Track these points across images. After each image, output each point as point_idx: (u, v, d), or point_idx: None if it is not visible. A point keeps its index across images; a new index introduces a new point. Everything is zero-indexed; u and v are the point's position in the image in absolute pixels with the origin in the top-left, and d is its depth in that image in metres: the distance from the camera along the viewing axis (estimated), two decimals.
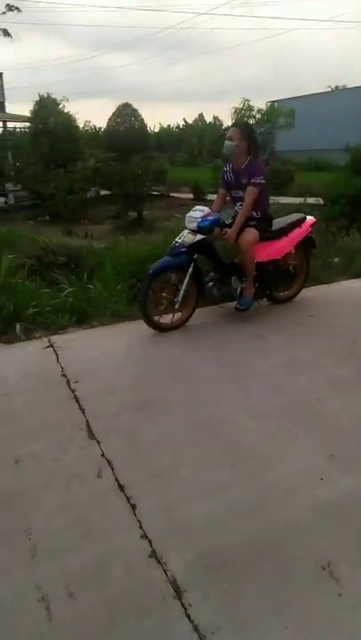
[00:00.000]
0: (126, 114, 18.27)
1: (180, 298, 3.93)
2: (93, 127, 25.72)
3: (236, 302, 4.22)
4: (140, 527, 2.01)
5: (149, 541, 1.94)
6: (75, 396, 3.04)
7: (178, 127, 39.42)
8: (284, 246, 4.27)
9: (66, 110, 17.10)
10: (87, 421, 2.75)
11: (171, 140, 35.49)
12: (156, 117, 66.58)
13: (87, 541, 1.96)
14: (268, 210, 4.28)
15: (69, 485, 2.25)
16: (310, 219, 4.57)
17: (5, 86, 24.21)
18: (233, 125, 4.43)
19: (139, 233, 12.02)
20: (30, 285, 4.77)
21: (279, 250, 4.24)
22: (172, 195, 20.63)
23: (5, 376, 3.32)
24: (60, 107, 17.04)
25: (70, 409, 2.89)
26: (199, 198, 17.75)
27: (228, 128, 11.68)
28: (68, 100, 17.05)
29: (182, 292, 3.91)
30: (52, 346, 3.74)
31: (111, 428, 2.69)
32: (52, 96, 17.03)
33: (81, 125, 20.27)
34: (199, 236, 3.88)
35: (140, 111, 18.44)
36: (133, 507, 2.12)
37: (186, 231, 3.94)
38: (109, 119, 18.47)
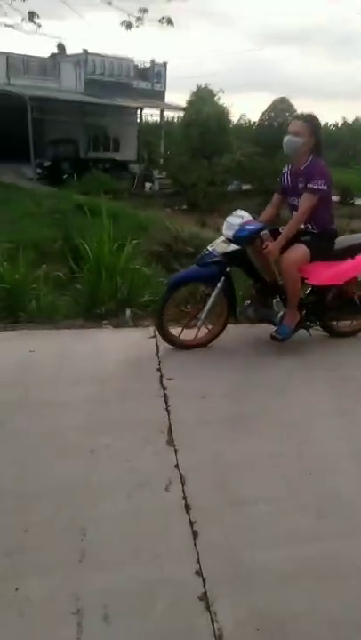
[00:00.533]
0: (281, 109, 17.81)
1: (204, 313, 3.40)
2: (248, 121, 25.60)
3: (273, 328, 3.54)
4: (197, 561, 1.79)
5: (203, 580, 1.71)
6: (165, 394, 2.89)
7: (336, 126, 37.62)
8: (347, 270, 3.50)
9: (221, 102, 17.18)
10: (170, 425, 2.58)
11: (326, 138, 33.95)
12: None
13: (137, 561, 1.79)
14: (331, 224, 3.50)
15: (133, 492, 2.10)
16: None
17: (168, 75, 24.98)
18: (297, 118, 3.49)
19: None
20: (148, 271, 4.74)
21: (340, 274, 3.47)
22: None
23: (104, 361, 3.29)
24: (216, 98, 17.15)
25: (157, 407, 2.75)
26: (345, 202, 16.70)
27: None
28: (223, 91, 17.06)
29: (208, 306, 3.38)
30: (155, 337, 3.64)
31: (193, 438, 2.49)
32: (210, 87, 17.19)
33: (236, 118, 20.29)
34: (233, 246, 3.28)
35: (297, 107, 17.85)
36: (195, 534, 1.90)
37: (220, 238, 3.37)
38: (263, 113, 18.19)
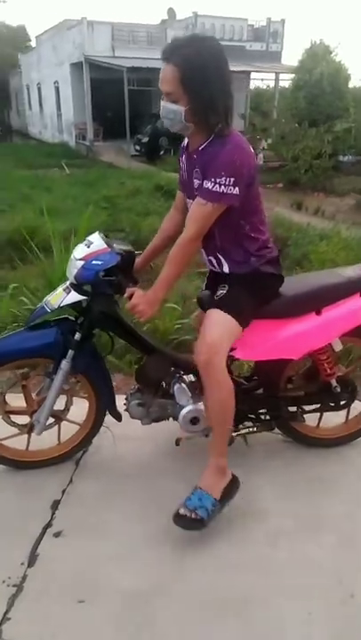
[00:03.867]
0: None
1: (43, 412, 2.08)
2: None
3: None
4: None
5: None
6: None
7: None
8: (308, 334, 2.01)
9: (338, 59, 14.77)
10: None
11: None
12: None
13: None
14: (264, 251, 1.93)
15: None
16: None
17: (288, 35, 22.54)
18: (164, 56, 1.69)
19: None
20: None
21: (293, 342, 2.00)
22: None
23: None
24: (332, 55, 14.78)
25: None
26: None
27: None
28: (340, 44, 14.61)
29: (48, 401, 2.07)
30: None
31: None
32: (325, 42, 14.85)
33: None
34: (72, 297, 1.93)
35: None
36: None
37: (61, 286, 2.02)
38: None
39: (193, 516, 1.86)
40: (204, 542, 1.88)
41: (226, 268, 1.94)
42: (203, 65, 1.65)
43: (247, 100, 19.35)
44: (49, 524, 1.98)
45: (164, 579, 1.76)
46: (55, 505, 2.07)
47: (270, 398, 2.19)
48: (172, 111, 1.73)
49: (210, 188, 1.71)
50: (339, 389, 2.21)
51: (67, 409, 2.22)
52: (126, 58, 18.34)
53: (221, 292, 1.93)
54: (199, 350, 1.84)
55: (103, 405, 2.18)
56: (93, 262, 1.85)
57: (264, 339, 1.98)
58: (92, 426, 2.23)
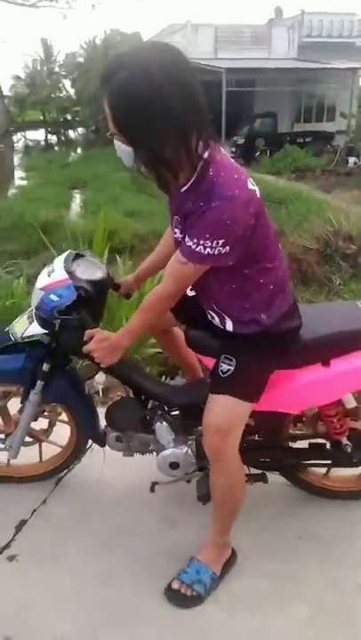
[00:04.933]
0: None
1: (16, 438, 1.92)
2: None
3: None
4: None
5: None
6: None
7: None
8: (311, 389, 1.65)
9: None
10: None
11: None
12: None
13: None
14: (281, 299, 1.50)
15: None
16: None
17: None
18: (101, 83, 1.24)
19: None
20: None
21: (294, 395, 1.66)
22: None
23: None
24: None
25: None
26: None
27: None
28: None
29: (21, 427, 1.91)
30: None
31: None
32: None
33: None
34: (34, 329, 1.75)
35: None
36: None
37: (27, 312, 1.84)
38: None
39: (188, 592, 1.63)
40: (157, 597, 1.70)
41: (230, 327, 1.53)
42: (137, 97, 1.17)
43: (352, 97, 18.25)
44: (7, 545, 1.91)
45: (102, 631, 1.61)
46: (21, 525, 2.00)
47: (268, 447, 1.90)
48: (123, 152, 1.33)
49: (192, 247, 1.31)
50: (350, 448, 1.82)
51: (49, 430, 2.13)
52: (228, 59, 18.21)
53: (228, 367, 1.50)
54: (205, 435, 1.56)
55: (84, 433, 2.05)
56: (50, 296, 1.63)
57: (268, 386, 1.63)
58: (75, 449, 2.12)
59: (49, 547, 1.91)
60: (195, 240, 1.30)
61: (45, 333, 1.76)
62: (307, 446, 1.92)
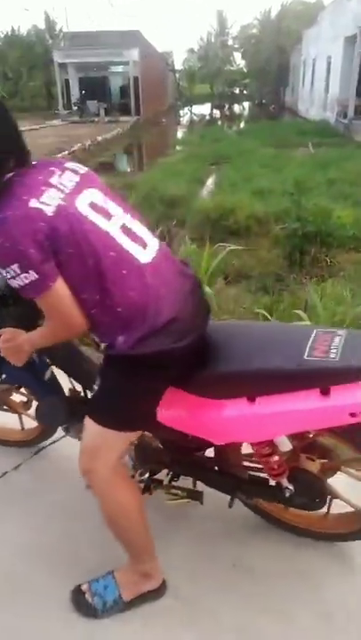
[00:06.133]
0: None
1: None
2: None
3: None
4: None
5: None
6: None
7: None
8: (231, 423, 1.43)
9: None
10: None
11: None
12: None
13: None
14: (140, 321, 1.29)
15: None
16: None
17: None
18: None
19: None
20: None
21: (215, 425, 1.46)
22: None
23: None
24: None
25: None
26: None
27: None
28: None
29: None
30: None
31: None
32: None
33: None
34: None
35: None
36: None
37: None
38: None
39: (90, 600, 1.56)
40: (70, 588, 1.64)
41: (102, 346, 1.42)
42: None
43: None
44: None
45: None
46: None
47: (220, 471, 1.73)
48: None
49: (12, 284, 1.25)
50: (289, 492, 1.59)
51: (29, 403, 2.17)
52: None
53: (95, 387, 1.42)
54: (79, 455, 1.47)
55: (37, 418, 2.01)
56: None
57: (181, 410, 1.49)
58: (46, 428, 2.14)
59: None
60: (3, 273, 1.24)
61: None
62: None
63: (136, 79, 29.61)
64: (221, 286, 4.50)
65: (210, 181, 11.27)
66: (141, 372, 1.33)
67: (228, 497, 1.72)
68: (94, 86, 30.23)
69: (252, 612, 1.59)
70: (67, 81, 30.78)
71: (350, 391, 1.30)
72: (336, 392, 1.31)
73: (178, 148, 16.84)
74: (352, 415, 1.29)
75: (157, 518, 1.73)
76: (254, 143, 16.12)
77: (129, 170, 15.85)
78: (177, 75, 40.87)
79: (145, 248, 1.35)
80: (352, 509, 1.72)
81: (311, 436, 1.60)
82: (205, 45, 39.40)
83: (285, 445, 1.54)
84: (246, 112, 36.68)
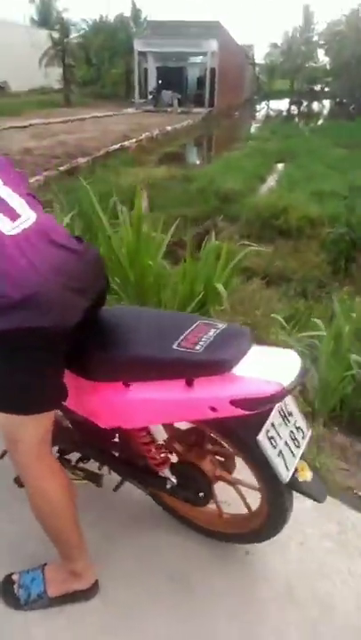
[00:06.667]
0: None
1: None
2: None
3: None
4: None
5: None
6: None
7: None
8: (108, 405, 1.42)
9: None
10: None
11: None
12: None
13: None
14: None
15: None
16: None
17: None
18: None
19: None
20: None
21: (97, 407, 1.46)
22: None
23: None
24: None
25: None
26: None
27: None
28: None
29: None
30: None
31: None
32: None
33: None
34: None
35: None
36: None
37: None
38: None
39: (16, 591, 1.53)
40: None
41: None
42: None
43: None
44: None
45: None
46: None
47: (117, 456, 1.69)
48: None
49: None
50: (171, 483, 1.56)
51: None
52: None
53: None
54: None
55: None
56: None
57: (73, 391, 1.44)
58: None
59: None
60: None
61: None
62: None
63: (213, 71, 29.40)
64: (258, 287, 4.36)
65: (271, 178, 11.00)
66: (16, 352, 1.22)
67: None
68: (171, 76, 30.32)
69: (177, 624, 1.50)
70: (145, 70, 31.05)
71: (212, 384, 1.26)
72: (199, 384, 1.28)
73: (249, 142, 16.54)
74: (212, 409, 1.25)
75: (103, 523, 1.70)
76: (325, 142, 15.59)
77: (197, 162, 15.75)
78: (257, 68, 40.23)
79: (14, 220, 1.23)
80: (245, 511, 1.65)
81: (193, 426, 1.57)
82: (289, 40, 38.49)
83: (160, 435, 1.56)
84: (325, 110, 35.59)
